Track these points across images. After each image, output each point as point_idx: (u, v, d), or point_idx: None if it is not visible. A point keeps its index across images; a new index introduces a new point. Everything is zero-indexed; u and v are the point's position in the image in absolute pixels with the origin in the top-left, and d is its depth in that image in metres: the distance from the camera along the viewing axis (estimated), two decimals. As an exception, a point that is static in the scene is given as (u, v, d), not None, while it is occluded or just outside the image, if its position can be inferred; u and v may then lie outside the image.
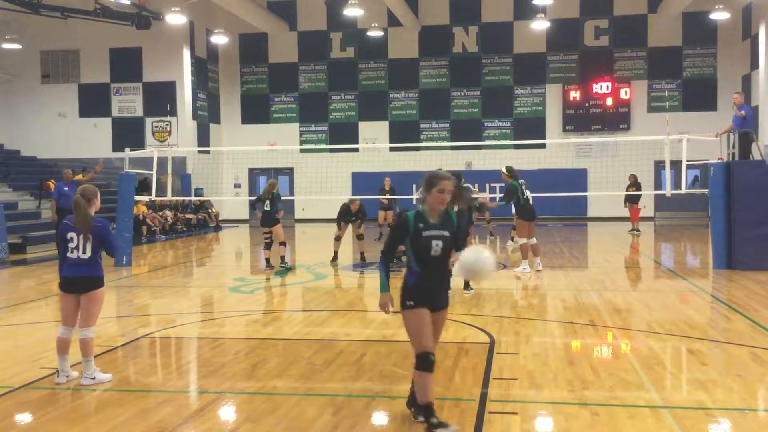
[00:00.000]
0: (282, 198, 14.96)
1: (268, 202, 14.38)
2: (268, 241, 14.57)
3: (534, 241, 13.70)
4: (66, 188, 16.15)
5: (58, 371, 6.39)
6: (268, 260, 14.51)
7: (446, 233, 4.98)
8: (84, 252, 6.37)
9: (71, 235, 6.39)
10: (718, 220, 13.57)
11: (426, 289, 5.03)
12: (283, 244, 14.46)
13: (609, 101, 27.87)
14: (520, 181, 13.39)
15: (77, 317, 6.48)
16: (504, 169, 13.66)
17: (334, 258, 15.10)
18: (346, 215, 15.08)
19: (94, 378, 6.33)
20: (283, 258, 14.42)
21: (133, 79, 27.75)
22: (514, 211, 14.23)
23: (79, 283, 6.38)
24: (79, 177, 22.75)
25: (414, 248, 5.00)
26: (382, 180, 20.66)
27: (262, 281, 13.06)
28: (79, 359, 6.43)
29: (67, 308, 6.47)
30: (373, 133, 28.85)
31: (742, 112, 14.13)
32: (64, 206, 16.07)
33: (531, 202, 13.56)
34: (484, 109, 28.88)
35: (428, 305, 5.03)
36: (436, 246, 4.94)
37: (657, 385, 6.15)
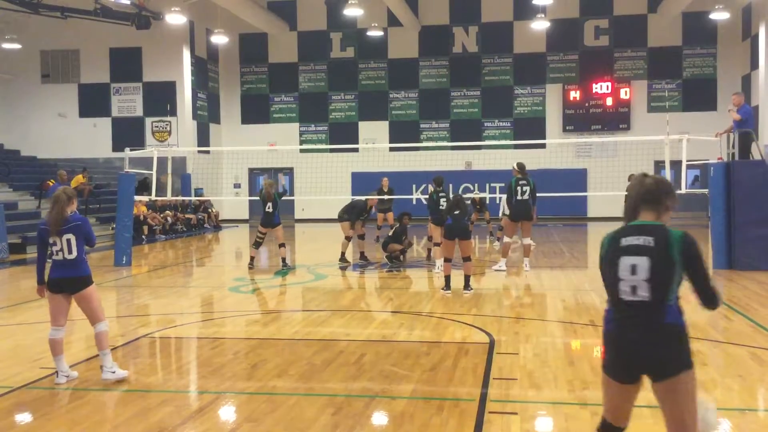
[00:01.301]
0: (283, 197, 14.82)
1: (270, 204, 14.27)
2: (260, 240, 14.49)
3: (528, 241, 13.68)
4: None
5: (57, 372, 6.38)
6: (252, 259, 14.49)
7: None
8: (69, 252, 6.36)
9: (53, 239, 6.37)
10: (718, 220, 13.56)
11: None
12: (282, 245, 14.41)
13: (609, 101, 27.86)
14: (521, 181, 13.32)
15: (67, 316, 6.50)
16: (515, 165, 13.64)
17: (343, 258, 14.92)
18: (362, 213, 14.99)
19: (114, 372, 6.34)
20: (284, 259, 14.36)
21: (133, 79, 27.74)
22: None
23: (68, 283, 6.38)
24: (79, 177, 22.82)
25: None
26: (379, 180, 20.54)
27: (261, 281, 13.05)
28: (79, 360, 6.44)
29: (56, 308, 6.44)
30: (373, 133, 28.84)
31: (737, 115, 14.08)
32: None
33: (530, 201, 13.41)
34: (484, 109, 28.87)
35: None
36: None
37: (657, 385, 6.14)
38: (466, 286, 10.97)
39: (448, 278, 11.04)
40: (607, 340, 3.67)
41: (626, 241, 3.63)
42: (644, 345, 3.50)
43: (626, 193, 3.84)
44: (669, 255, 3.52)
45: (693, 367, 3.51)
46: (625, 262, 3.57)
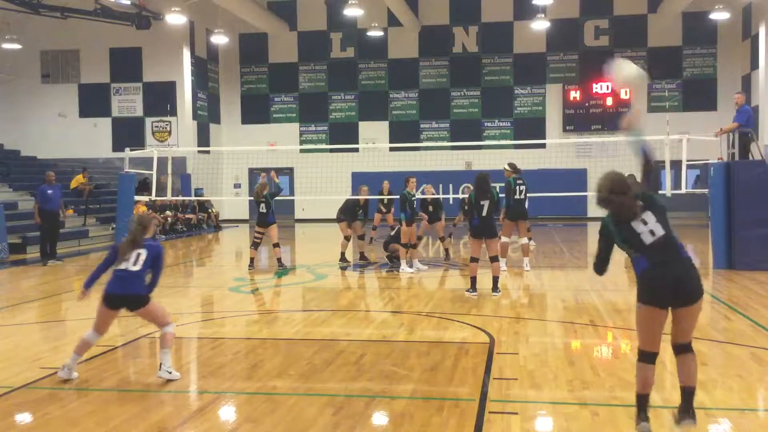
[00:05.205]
0: (278, 198, 14.77)
1: (263, 205, 14.27)
2: (258, 240, 14.49)
3: (525, 240, 13.70)
4: (50, 191, 15.87)
5: (63, 366, 6.37)
6: (252, 260, 14.47)
7: None
8: (135, 264, 6.31)
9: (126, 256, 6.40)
10: (718, 220, 13.56)
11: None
12: (276, 245, 14.36)
13: (609, 101, 27.87)
14: (518, 180, 13.32)
15: (108, 329, 6.54)
16: (507, 166, 13.63)
17: (343, 258, 14.91)
18: (355, 210, 14.96)
19: (171, 372, 6.30)
20: (279, 260, 14.30)
21: (133, 79, 27.75)
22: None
23: (126, 301, 6.33)
24: (79, 177, 22.83)
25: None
26: (380, 181, 20.54)
27: (262, 281, 13.05)
28: (79, 360, 6.44)
29: (103, 320, 6.41)
30: (373, 133, 28.85)
31: (736, 123, 14.07)
32: (47, 209, 15.79)
33: (525, 200, 13.42)
34: (484, 109, 28.87)
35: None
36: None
37: (657, 385, 6.12)
38: (495, 288, 10.68)
39: (474, 279, 10.70)
40: (647, 277, 5.13)
41: None
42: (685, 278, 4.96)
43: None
44: None
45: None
46: None
